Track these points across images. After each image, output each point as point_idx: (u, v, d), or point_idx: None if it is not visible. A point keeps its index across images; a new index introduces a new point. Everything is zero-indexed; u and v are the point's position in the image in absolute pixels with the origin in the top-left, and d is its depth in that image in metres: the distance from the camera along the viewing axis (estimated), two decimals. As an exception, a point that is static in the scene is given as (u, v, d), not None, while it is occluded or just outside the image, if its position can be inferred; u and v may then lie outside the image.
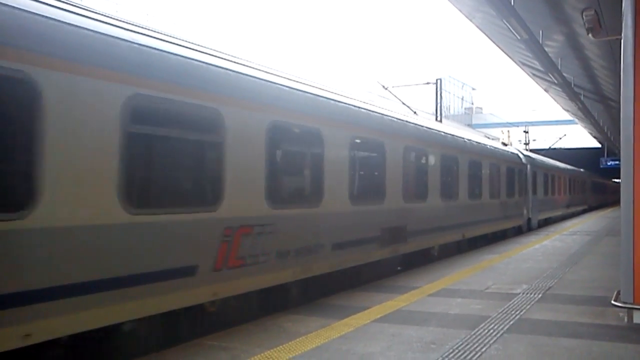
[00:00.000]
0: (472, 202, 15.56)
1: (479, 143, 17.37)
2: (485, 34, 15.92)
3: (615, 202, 58.17)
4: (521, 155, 22.59)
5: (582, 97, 23.95)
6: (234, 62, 7.23)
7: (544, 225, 26.03)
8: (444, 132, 14.35)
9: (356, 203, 9.42)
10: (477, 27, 15.30)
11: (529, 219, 23.09)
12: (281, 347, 5.90)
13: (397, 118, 11.55)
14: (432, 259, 13.22)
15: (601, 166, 46.79)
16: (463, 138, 15.77)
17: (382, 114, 10.82)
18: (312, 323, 6.89)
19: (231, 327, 6.73)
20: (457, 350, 5.80)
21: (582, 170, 43.39)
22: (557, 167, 30.96)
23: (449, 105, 73.45)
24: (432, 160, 12.91)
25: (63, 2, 5.28)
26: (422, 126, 12.93)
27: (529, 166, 22.92)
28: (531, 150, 39.60)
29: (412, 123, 12.34)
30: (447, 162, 13.68)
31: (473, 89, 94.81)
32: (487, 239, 17.66)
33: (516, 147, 36.05)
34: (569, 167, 36.90)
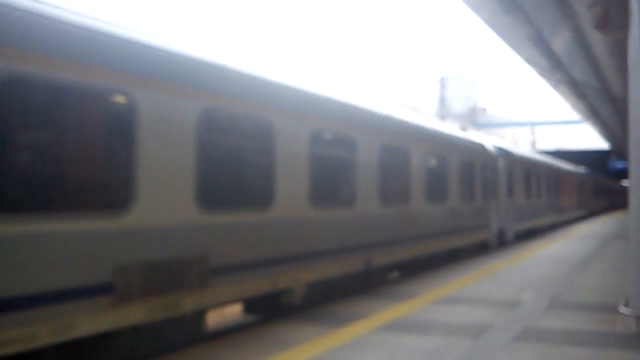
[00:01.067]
0: (388, 210, 10.14)
1: (406, 122, 11.33)
2: (491, 28, 15.68)
3: (624, 205, 57.60)
4: (489, 146, 16.68)
5: (589, 96, 23.65)
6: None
7: (525, 237, 20.66)
8: (317, 94, 8.49)
9: None
10: (484, 21, 15.05)
11: (501, 231, 17.24)
12: (276, 356, 5.68)
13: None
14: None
15: (610, 168, 46.38)
16: (371, 111, 9.99)
17: None
18: (309, 332, 6.66)
19: (226, 336, 6.52)
20: (460, 362, 5.56)
21: (582, 169, 38.73)
22: (546, 165, 25.03)
23: (453, 104, 73.10)
24: (295, 140, 7.79)
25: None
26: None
27: (501, 161, 17.25)
28: (537, 151, 39.14)
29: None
30: (330, 146, 8.62)
31: (478, 88, 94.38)
32: (426, 264, 12.34)
33: (517, 143, 33.74)
34: (564, 165, 32.00)
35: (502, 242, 17.31)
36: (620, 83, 19.63)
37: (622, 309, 7.05)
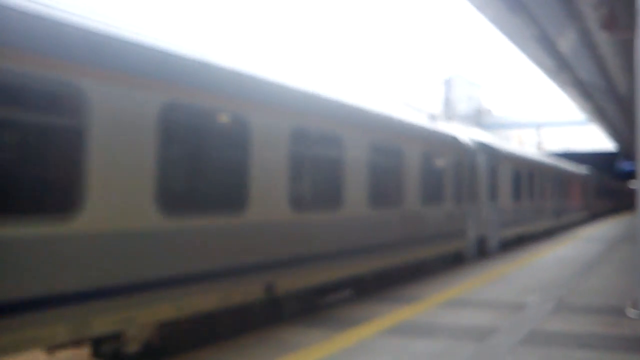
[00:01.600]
0: (307, 216, 7.73)
1: (337, 102, 8.65)
2: (497, 28, 15.62)
3: (629, 207, 56.74)
4: (464, 139, 13.84)
5: (596, 97, 23.53)
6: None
7: (516, 245, 18.27)
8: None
9: None
10: (490, 20, 14.98)
11: (481, 239, 14.62)
12: (280, 360, 5.65)
13: None
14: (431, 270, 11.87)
15: (617, 169, 46.10)
16: (302, 91, 7.84)
17: None
18: (313, 335, 6.62)
19: (231, 339, 6.49)
20: (465, 365, 5.51)
21: (584, 169, 35.45)
22: (541, 164, 22.17)
23: (458, 105, 72.96)
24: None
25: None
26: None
27: (482, 157, 14.71)
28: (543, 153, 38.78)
29: None
30: (222, 131, 6.56)
31: (483, 89, 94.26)
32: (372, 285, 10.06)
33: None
34: (563, 164, 28.92)
35: (483, 252, 14.60)
36: (626, 83, 19.51)
37: (629, 312, 6.99)
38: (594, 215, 36.74)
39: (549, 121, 57.41)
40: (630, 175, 41.56)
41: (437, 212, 11.82)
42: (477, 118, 69.68)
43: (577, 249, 16.74)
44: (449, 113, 26.72)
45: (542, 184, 21.92)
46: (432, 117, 14.30)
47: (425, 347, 6.12)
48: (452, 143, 12.76)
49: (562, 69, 17.04)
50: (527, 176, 19.37)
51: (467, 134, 14.70)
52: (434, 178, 11.60)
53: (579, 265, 12.83)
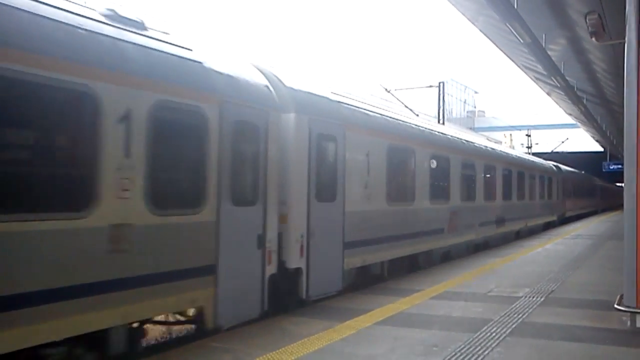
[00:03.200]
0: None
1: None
2: (488, 37, 15.98)
3: (613, 207, 56.65)
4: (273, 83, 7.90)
5: (585, 101, 23.96)
6: None
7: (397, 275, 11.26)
8: None
9: None
10: (480, 30, 15.36)
11: (287, 272, 7.93)
12: (284, 349, 5.90)
13: None
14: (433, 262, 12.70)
15: (604, 170, 46.70)
16: None
17: None
18: (315, 325, 6.90)
19: (235, 329, 6.74)
20: (459, 354, 5.80)
21: (549, 163, 28.44)
22: (459, 144, 15.10)
23: (452, 109, 73.47)
24: None
25: None
26: None
27: (273, 116, 7.50)
28: (533, 154, 38.78)
29: None
30: None
31: (475, 92, 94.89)
32: None
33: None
34: (519, 156, 23.51)
35: (286, 301, 8.03)
36: (614, 88, 19.89)
37: (617, 306, 7.26)
38: (562, 220, 29.77)
39: (539, 124, 58.03)
40: (617, 175, 41.89)
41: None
42: (471, 121, 70.14)
43: (566, 245, 16.74)
44: (442, 116, 27.04)
45: (468, 177, 15.13)
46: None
47: (421, 337, 6.41)
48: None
49: (551, 74, 17.38)
50: (428, 162, 12.43)
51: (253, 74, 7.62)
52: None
53: (568, 261, 13.04)
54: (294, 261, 7.89)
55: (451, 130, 16.02)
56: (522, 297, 8.90)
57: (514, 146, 53.72)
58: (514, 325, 7.00)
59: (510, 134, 59.59)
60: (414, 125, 12.51)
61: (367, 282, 10.00)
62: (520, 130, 53.75)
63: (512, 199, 19.35)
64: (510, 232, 19.35)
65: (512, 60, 18.80)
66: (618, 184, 62.28)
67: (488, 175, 16.91)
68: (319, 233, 8.32)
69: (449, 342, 6.22)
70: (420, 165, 12.16)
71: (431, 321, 7.20)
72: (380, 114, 11.01)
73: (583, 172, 41.10)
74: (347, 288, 9.18)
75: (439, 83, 27.72)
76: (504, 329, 6.81)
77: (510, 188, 19.25)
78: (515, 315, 7.56)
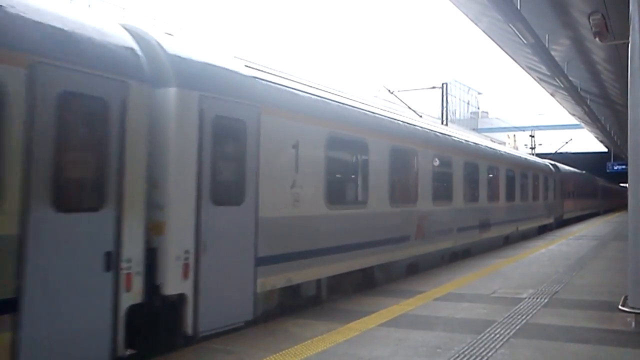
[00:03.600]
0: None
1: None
2: (491, 38, 15.96)
3: (616, 208, 55.98)
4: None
5: (588, 102, 23.90)
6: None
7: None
8: None
9: None
10: (484, 31, 15.34)
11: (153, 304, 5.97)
12: (287, 351, 5.90)
13: None
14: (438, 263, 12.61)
15: (608, 170, 46.60)
16: None
17: None
18: (318, 327, 6.89)
19: (239, 331, 6.74)
20: (463, 355, 5.78)
21: (545, 161, 26.36)
22: (434, 135, 13.04)
23: (455, 110, 73.41)
24: None
25: None
26: None
27: (190, 98, 6.25)
28: (537, 155, 38.68)
29: None
30: None
31: (479, 93, 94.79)
32: None
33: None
34: (499, 148, 20.34)
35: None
36: (618, 88, 19.85)
37: (621, 307, 7.25)
38: (563, 221, 28.74)
39: (543, 124, 57.95)
40: (621, 175, 41.58)
41: None
42: (474, 122, 70.09)
43: (570, 246, 16.66)
44: (446, 117, 27.05)
45: (442, 175, 13.16)
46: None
47: (425, 339, 6.40)
48: None
49: (555, 75, 17.35)
50: (387, 156, 10.27)
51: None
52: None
53: (572, 262, 13.00)
54: (174, 286, 5.96)
55: (423, 121, 13.64)
56: (526, 298, 8.88)
57: (518, 147, 53.64)
58: (518, 327, 6.98)
59: (514, 135, 59.54)
60: (365, 111, 10.12)
61: (300, 305, 8.13)
62: (524, 131, 53.63)
63: (500, 200, 17.37)
64: (497, 237, 17.24)
65: (516, 61, 18.78)
66: (622, 185, 62.11)
67: (470, 174, 14.75)
68: (215, 246, 6.35)
69: (453, 343, 6.20)
70: (376, 161, 9.97)
71: (435, 323, 7.18)
72: (319, 96, 8.75)
73: (584, 171, 39.68)
74: (268, 315, 7.40)
75: (442, 84, 27.71)
76: (508, 331, 6.79)
77: (498, 188, 17.25)
78: (519, 317, 7.53)
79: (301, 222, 7.92)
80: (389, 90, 24.38)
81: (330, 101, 9.02)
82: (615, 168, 45.41)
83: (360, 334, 6.59)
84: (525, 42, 12.95)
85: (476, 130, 59.22)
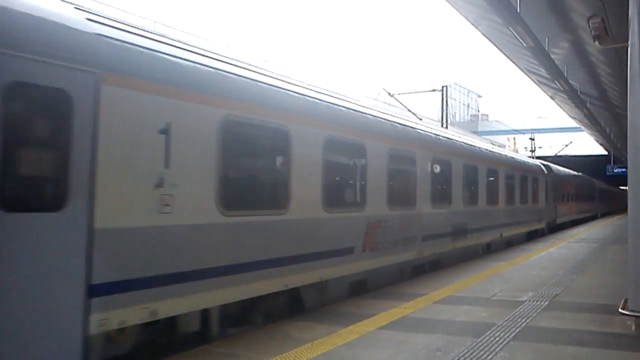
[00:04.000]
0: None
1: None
2: (491, 41, 16.00)
3: (615, 211, 55.60)
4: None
5: (588, 104, 23.94)
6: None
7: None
8: None
9: None
10: (483, 34, 15.37)
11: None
12: (287, 354, 5.90)
13: None
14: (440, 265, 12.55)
15: (608, 173, 46.63)
16: None
17: None
18: (319, 330, 6.90)
19: (240, 334, 6.75)
20: (462, 358, 5.79)
21: (535, 162, 25.19)
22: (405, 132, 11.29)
23: (455, 113, 73.46)
24: None
25: None
26: None
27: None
28: (537, 158, 38.65)
29: None
30: None
31: (479, 96, 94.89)
32: None
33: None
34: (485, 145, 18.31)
35: None
36: (618, 91, 19.87)
37: (621, 310, 7.24)
38: (557, 225, 27.09)
39: (543, 127, 58.00)
40: (621, 178, 41.51)
41: None
42: (474, 125, 70.10)
43: (570, 249, 16.63)
44: (446, 120, 27.09)
45: (402, 175, 11.18)
46: None
47: (424, 342, 6.40)
48: None
49: (554, 78, 17.38)
50: (318, 150, 8.26)
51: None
52: None
53: (571, 265, 12.99)
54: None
55: (376, 111, 10.55)
56: (525, 301, 8.88)
57: (518, 149, 53.68)
58: (517, 330, 6.99)
59: (514, 138, 59.61)
60: (287, 90, 7.84)
61: (176, 345, 6.28)
62: (523, 133, 53.70)
63: (479, 203, 15.17)
64: (475, 245, 15.13)
65: (516, 64, 18.81)
66: (622, 187, 62.10)
67: (439, 173, 12.48)
68: (5, 273, 4.50)
69: (453, 346, 6.21)
70: (302, 155, 7.84)
71: (434, 326, 7.19)
72: (212, 66, 6.61)
73: (580, 173, 38.27)
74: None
75: (442, 87, 27.74)
76: (508, 334, 6.79)
77: (476, 190, 15.05)
78: (519, 320, 7.54)
79: (175, 234, 5.84)
80: (389, 93, 24.42)
81: (228, 73, 6.84)
82: (615, 171, 45.41)
83: (361, 337, 6.60)
84: (525, 45, 12.98)
85: (476, 133, 59.26)
